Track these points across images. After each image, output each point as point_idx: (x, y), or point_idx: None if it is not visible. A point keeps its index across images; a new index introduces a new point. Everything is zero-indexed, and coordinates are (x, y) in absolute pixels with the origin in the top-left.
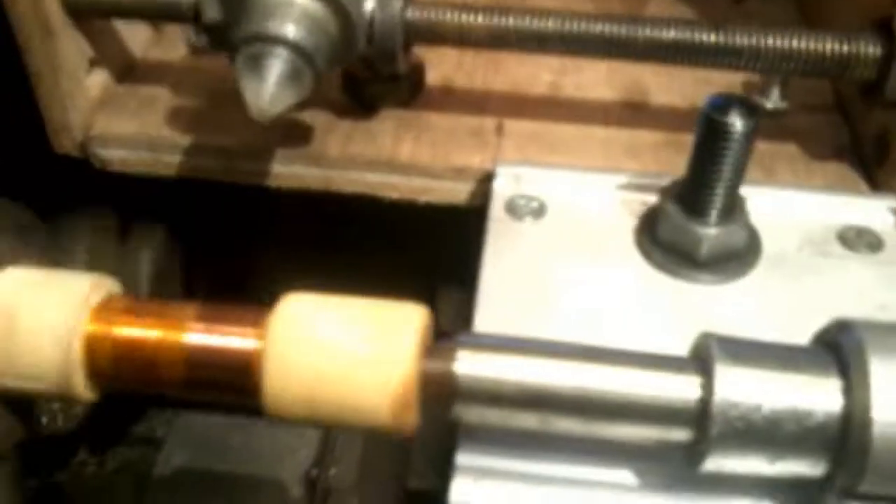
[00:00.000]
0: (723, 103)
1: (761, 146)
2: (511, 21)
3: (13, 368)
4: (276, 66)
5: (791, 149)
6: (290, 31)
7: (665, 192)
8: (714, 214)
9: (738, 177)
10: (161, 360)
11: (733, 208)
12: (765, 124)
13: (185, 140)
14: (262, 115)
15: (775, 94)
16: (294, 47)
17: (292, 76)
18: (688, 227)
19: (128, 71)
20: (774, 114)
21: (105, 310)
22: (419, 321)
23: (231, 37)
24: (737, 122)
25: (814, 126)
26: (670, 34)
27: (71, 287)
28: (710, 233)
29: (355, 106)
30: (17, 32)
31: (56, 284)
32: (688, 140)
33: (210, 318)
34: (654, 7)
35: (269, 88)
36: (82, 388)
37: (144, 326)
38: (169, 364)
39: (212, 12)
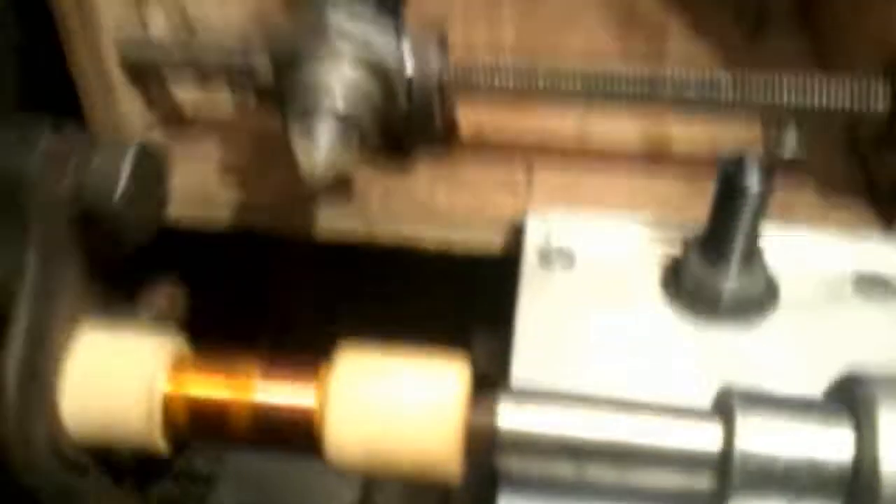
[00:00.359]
0: (739, 163)
1: (777, 189)
2: (540, 82)
3: (104, 427)
4: (327, 133)
5: (807, 191)
6: (340, 102)
7: (687, 244)
8: (733, 265)
9: (755, 231)
10: (231, 416)
11: (752, 258)
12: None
13: (234, 195)
14: (315, 180)
15: (792, 141)
16: (344, 117)
17: (342, 142)
18: (709, 277)
19: (179, 127)
20: (792, 163)
21: (178, 370)
22: (464, 376)
23: (283, 103)
24: (753, 185)
25: (829, 169)
26: (690, 93)
27: (147, 348)
28: (730, 283)
29: (392, 159)
30: (80, 89)
31: (133, 345)
32: (709, 187)
33: (274, 376)
34: (674, 43)
35: (321, 154)
36: (161, 444)
37: (216, 386)
38: (238, 420)
39: (265, 78)
